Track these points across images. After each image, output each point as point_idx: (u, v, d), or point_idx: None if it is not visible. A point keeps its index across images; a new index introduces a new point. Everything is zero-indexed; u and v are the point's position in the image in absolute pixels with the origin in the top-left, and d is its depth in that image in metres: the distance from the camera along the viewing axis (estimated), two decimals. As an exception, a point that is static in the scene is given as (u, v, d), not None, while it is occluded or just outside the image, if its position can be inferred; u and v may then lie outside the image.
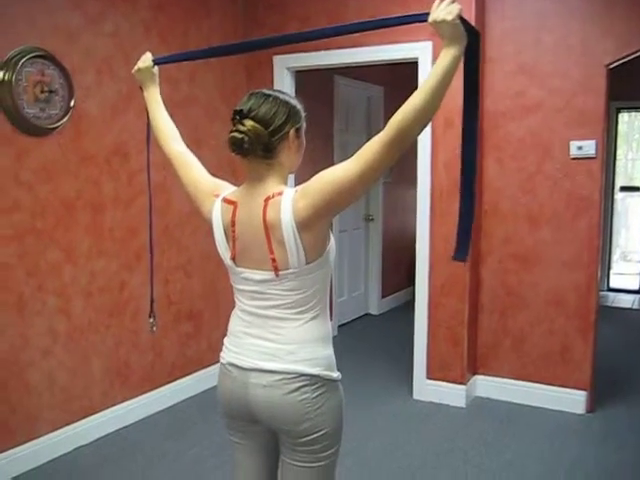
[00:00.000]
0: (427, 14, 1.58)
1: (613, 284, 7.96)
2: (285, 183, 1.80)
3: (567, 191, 4.06)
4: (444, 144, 4.12)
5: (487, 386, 4.42)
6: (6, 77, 3.14)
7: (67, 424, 3.59)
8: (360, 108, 6.50)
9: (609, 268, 7.96)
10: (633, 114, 8.24)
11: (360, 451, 3.58)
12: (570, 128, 4.00)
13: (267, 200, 1.72)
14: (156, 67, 2.19)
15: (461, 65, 1.61)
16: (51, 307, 3.47)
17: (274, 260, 1.72)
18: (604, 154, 4.06)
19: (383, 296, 6.95)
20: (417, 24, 1.69)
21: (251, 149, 1.71)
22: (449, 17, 1.51)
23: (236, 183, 1.92)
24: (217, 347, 2.04)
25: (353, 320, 6.51)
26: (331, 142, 5.94)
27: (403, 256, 6.97)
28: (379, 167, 1.59)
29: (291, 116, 1.76)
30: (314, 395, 1.74)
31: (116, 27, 3.74)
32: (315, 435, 1.75)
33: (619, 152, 8.01)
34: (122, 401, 3.94)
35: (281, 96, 1.78)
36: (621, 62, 3.88)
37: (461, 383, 4.28)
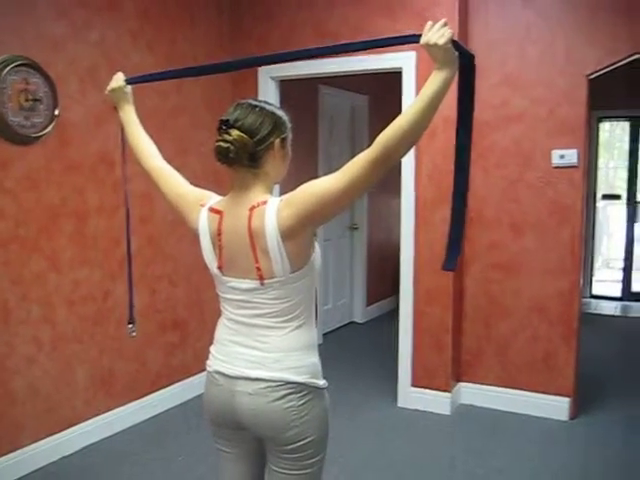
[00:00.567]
0: (419, 36, 1.59)
1: (595, 291, 8.04)
2: (270, 192, 1.81)
3: (550, 199, 4.10)
4: (428, 154, 4.15)
5: (471, 393, 4.44)
6: (-10, 85, 3.13)
7: (51, 434, 3.57)
8: (344, 117, 6.53)
9: (591, 275, 8.03)
10: (614, 123, 8.34)
11: (345, 459, 3.59)
12: (552, 137, 4.05)
13: (252, 209, 1.73)
14: (129, 86, 2.19)
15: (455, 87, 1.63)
16: (35, 316, 3.45)
17: (259, 269, 1.73)
18: (586, 163, 4.11)
19: (368, 304, 6.96)
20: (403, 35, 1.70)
21: (237, 158, 1.72)
22: (441, 41, 1.53)
23: (221, 192, 1.94)
24: (202, 356, 2.05)
25: (338, 328, 6.52)
26: (315, 151, 5.96)
27: (388, 265, 6.99)
28: (364, 183, 1.61)
29: (277, 126, 1.78)
30: (300, 403, 1.75)
31: (102, 36, 3.74)
32: (301, 443, 1.76)
33: (600, 161, 8.10)
34: (106, 410, 3.92)
35: (267, 107, 1.80)
36: (602, 72, 3.93)
37: (446, 390, 4.30)
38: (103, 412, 3.90)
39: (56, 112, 3.47)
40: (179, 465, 3.54)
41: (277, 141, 1.78)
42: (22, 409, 3.41)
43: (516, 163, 4.15)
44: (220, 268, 1.82)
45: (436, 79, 1.55)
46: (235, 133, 1.72)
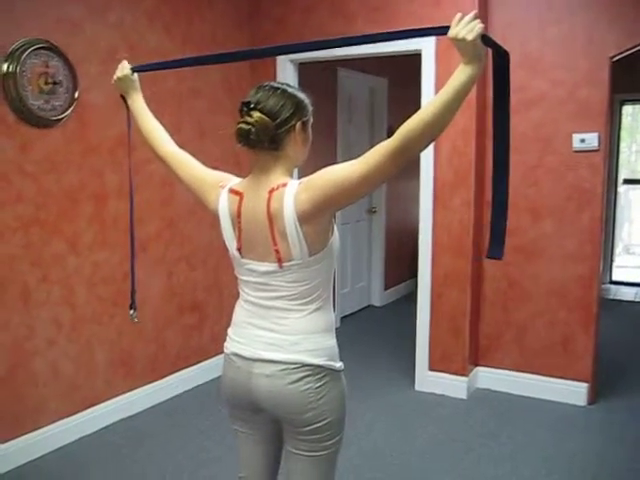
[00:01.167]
0: (447, 28, 1.53)
1: (615, 277, 7.97)
2: (291, 175, 1.81)
3: (570, 184, 4.06)
4: (447, 137, 4.12)
5: (489, 378, 4.44)
6: (10, 69, 3.14)
7: (71, 414, 3.62)
8: (363, 100, 6.50)
9: (612, 261, 7.96)
10: (637, 106, 8.21)
11: (362, 441, 3.61)
12: (573, 121, 4.00)
13: (271, 192, 1.73)
14: (135, 74, 2.17)
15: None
16: (55, 297, 3.49)
17: (277, 252, 1.73)
18: (607, 147, 4.06)
19: (386, 288, 6.96)
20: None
21: (257, 140, 1.72)
22: (470, 36, 1.48)
23: (240, 175, 1.94)
24: (220, 338, 2.06)
25: (356, 312, 6.53)
26: (334, 134, 5.94)
27: (406, 248, 6.99)
28: (383, 173, 1.60)
29: (298, 109, 1.77)
30: (317, 385, 1.76)
31: (120, 18, 3.74)
32: (318, 424, 1.78)
33: (622, 145, 7.99)
34: (126, 391, 3.97)
35: (289, 89, 1.79)
36: (625, 54, 3.87)
37: (463, 375, 4.30)
38: (122, 393, 3.94)
39: (75, 95, 3.48)
40: (197, 446, 3.58)
41: (298, 124, 1.77)
42: (43, 390, 3.46)
43: (536, 148, 4.11)
44: (239, 250, 1.82)
45: (462, 74, 1.51)
46: (256, 115, 1.71)
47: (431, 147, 4.17)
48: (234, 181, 1.89)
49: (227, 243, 1.86)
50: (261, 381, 1.79)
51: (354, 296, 6.53)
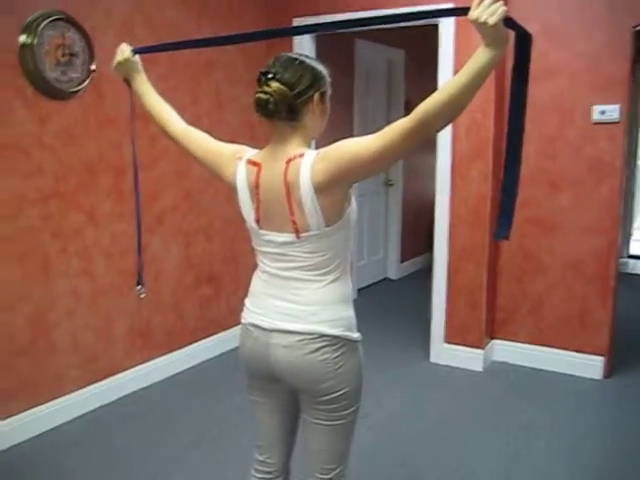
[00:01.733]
0: (467, 9, 1.47)
1: (633, 251, 7.91)
2: (308, 146, 1.81)
3: (589, 156, 4.02)
4: (466, 109, 4.07)
5: (504, 350, 4.45)
6: (28, 40, 3.15)
7: (91, 383, 3.68)
8: (380, 71, 6.44)
9: (630, 235, 7.90)
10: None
11: (378, 412, 3.64)
12: (593, 92, 3.95)
13: (289, 162, 1.73)
14: (137, 56, 2.14)
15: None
16: (75, 268, 3.53)
17: (294, 222, 1.74)
18: (629, 119, 4.00)
19: (402, 261, 6.97)
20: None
21: (275, 110, 1.72)
22: (491, 20, 1.42)
23: (257, 147, 1.94)
24: (237, 309, 2.08)
25: (372, 284, 6.55)
26: (351, 105, 5.91)
27: (422, 221, 6.97)
28: (398, 150, 1.59)
29: (316, 80, 1.77)
30: (335, 355, 1.77)
31: (136, -11, 3.73)
32: (335, 394, 1.79)
33: (643, 117, 7.86)
34: (144, 361, 4.02)
35: (307, 60, 1.78)
36: (648, 24, 3.81)
37: (479, 347, 4.31)
38: (141, 363, 4.00)
39: (92, 67, 3.48)
40: (214, 415, 3.63)
41: (316, 95, 1.77)
42: (64, 359, 3.52)
43: (554, 119, 4.06)
44: (257, 221, 1.83)
45: (482, 57, 1.47)
46: (275, 85, 1.71)
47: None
48: (251, 152, 1.89)
49: (245, 215, 1.87)
50: (279, 351, 1.81)
51: (370, 269, 6.54)
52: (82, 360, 3.63)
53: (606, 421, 3.58)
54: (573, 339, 4.21)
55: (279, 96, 1.71)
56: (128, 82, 2.19)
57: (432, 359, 4.47)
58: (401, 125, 1.56)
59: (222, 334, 4.59)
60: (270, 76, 1.73)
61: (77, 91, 3.43)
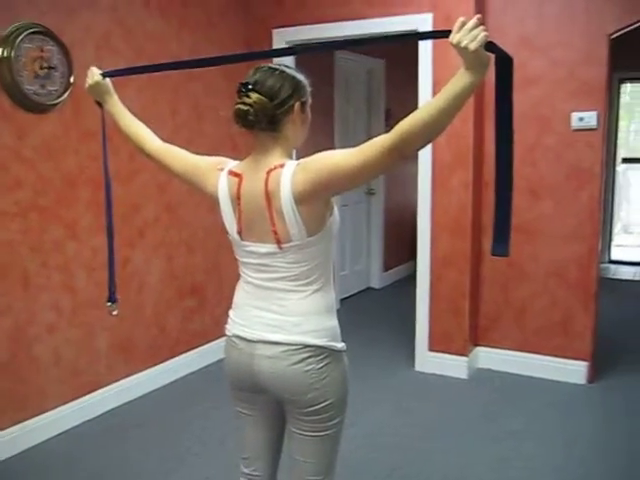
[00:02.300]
0: (449, 32, 1.46)
1: (614, 256, 7.98)
2: (290, 157, 1.81)
3: (568, 163, 4.05)
4: (446, 130, 4.09)
5: (489, 357, 4.46)
6: (5, 53, 3.12)
7: (74, 398, 3.64)
8: (360, 81, 6.47)
9: (610, 240, 7.97)
10: (636, 85, 8.16)
11: (364, 422, 3.63)
12: (571, 99, 3.99)
13: (269, 172, 1.73)
14: (107, 78, 2.14)
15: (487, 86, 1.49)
16: (55, 283, 3.49)
17: (276, 233, 1.73)
18: (606, 125, 4.04)
19: (385, 270, 6.97)
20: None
21: (256, 121, 1.72)
22: (472, 45, 1.41)
23: (237, 158, 1.93)
24: (221, 321, 2.06)
25: (355, 294, 6.54)
26: (331, 115, 5.91)
27: (405, 230, 6.99)
28: (377, 167, 1.59)
29: (297, 90, 1.77)
30: (319, 366, 1.77)
31: (114, 1, 3.71)
32: (320, 405, 1.78)
33: (621, 124, 7.96)
34: (127, 375, 3.98)
35: (287, 70, 1.79)
36: (624, 32, 3.85)
37: (463, 355, 4.31)
38: (124, 377, 3.96)
39: (71, 79, 3.46)
40: (199, 429, 3.60)
41: (297, 105, 1.77)
42: (45, 375, 3.48)
43: (534, 126, 4.09)
44: (240, 232, 1.82)
45: (462, 80, 1.46)
46: (255, 96, 1.71)
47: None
48: (232, 163, 1.88)
49: (227, 226, 1.86)
50: (263, 362, 1.80)
51: (353, 278, 6.54)
52: (64, 375, 3.59)
53: (592, 426, 3.60)
54: (557, 345, 4.23)
55: (259, 107, 1.70)
56: (100, 104, 2.20)
57: (417, 367, 4.47)
58: (381, 142, 1.56)
59: (206, 346, 4.56)
60: (250, 87, 1.73)
61: (56, 104, 3.40)
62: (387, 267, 7.01)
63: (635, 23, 3.79)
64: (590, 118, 3.93)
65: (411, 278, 4.88)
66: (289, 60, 4.54)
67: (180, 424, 3.66)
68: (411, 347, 4.53)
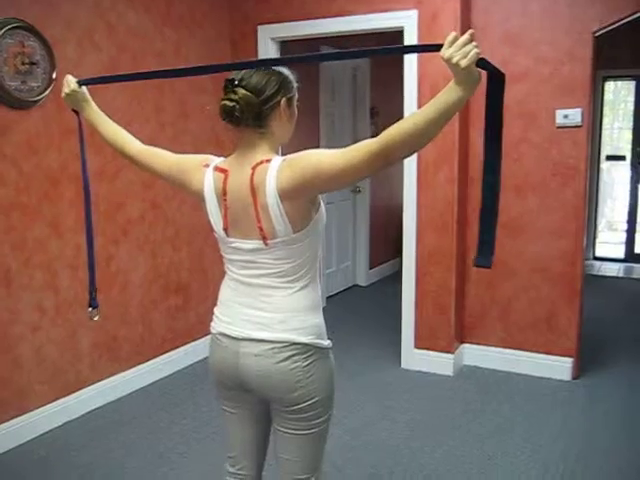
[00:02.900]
0: (440, 45, 1.43)
1: (599, 253, 8.04)
2: (276, 153, 1.79)
3: (553, 160, 4.06)
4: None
5: (474, 355, 4.46)
6: (-14, 49, 3.09)
7: (57, 398, 3.60)
8: (346, 79, 6.45)
9: (595, 237, 8.02)
10: (619, 83, 8.22)
11: (349, 420, 3.62)
12: (556, 97, 4.00)
13: (255, 167, 1.72)
14: (83, 87, 2.11)
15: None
16: (38, 281, 3.45)
17: (261, 229, 1.72)
18: (590, 122, 4.06)
19: (371, 267, 6.97)
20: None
21: (242, 117, 1.71)
22: (463, 62, 1.39)
23: (221, 155, 1.91)
24: (206, 319, 2.05)
25: (341, 292, 6.54)
26: (317, 113, 5.90)
27: (390, 227, 6.99)
28: (361, 170, 1.58)
29: (283, 86, 1.75)
30: (305, 364, 1.76)
31: (97, -3, 3.68)
32: (307, 403, 1.77)
33: (605, 121, 8.00)
34: (111, 375, 3.95)
35: (274, 66, 1.77)
36: (608, 29, 3.87)
37: (449, 352, 4.32)
38: (108, 376, 3.92)
39: (53, 75, 3.42)
40: (185, 427, 3.57)
41: (283, 100, 1.76)
42: (28, 374, 3.44)
43: (519, 123, 4.10)
44: (226, 229, 1.80)
45: (452, 94, 1.44)
46: (241, 92, 1.70)
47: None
48: (218, 160, 1.86)
49: (213, 222, 1.84)
50: (249, 360, 1.78)
51: (339, 276, 6.53)
52: (47, 375, 3.55)
53: (577, 422, 3.61)
54: (542, 341, 4.24)
55: (245, 103, 1.69)
56: (76, 112, 2.18)
57: (403, 365, 4.47)
58: (367, 147, 1.55)
59: (191, 344, 4.53)
60: (236, 83, 1.71)
61: (38, 100, 3.36)
62: (373, 264, 7.01)
63: (619, 21, 3.81)
64: (575, 115, 3.95)
65: (397, 275, 4.88)
66: (275, 55, 4.54)
67: (166, 423, 3.64)
68: (397, 344, 4.53)
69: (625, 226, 7.93)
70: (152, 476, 3.09)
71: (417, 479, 3.04)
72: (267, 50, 4.53)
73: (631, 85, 7.80)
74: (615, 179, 8.84)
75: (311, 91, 5.73)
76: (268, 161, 1.71)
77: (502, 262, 4.27)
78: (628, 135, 7.97)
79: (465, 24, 3.94)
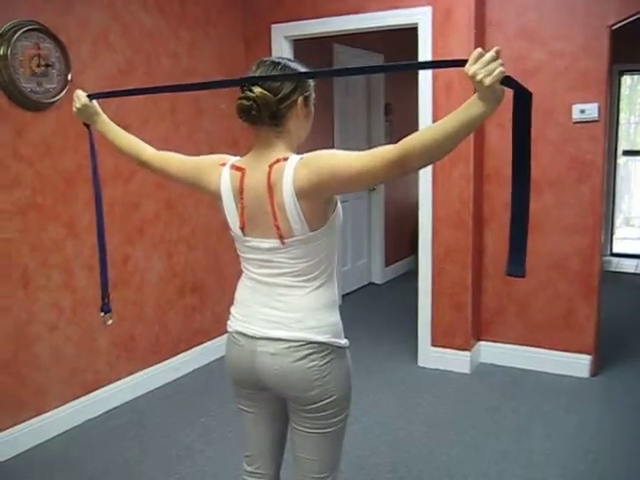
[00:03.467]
0: (465, 61, 1.40)
1: (616, 249, 7.96)
2: (293, 151, 1.78)
3: (570, 155, 4.03)
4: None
5: (491, 352, 4.44)
6: (1, 51, 3.09)
7: (75, 398, 3.62)
8: (360, 77, 6.43)
9: (612, 233, 7.95)
10: (636, 77, 8.13)
11: (366, 418, 3.61)
12: (572, 92, 3.96)
13: (272, 165, 1.71)
14: (94, 100, 2.12)
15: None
16: (55, 282, 3.47)
17: (278, 227, 1.71)
18: (607, 117, 4.02)
19: (386, 265, 6.96)
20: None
21: (259, 116, 1.71)
22: (487, 80, 1.36)
23: (237, 154, 1.91)
24: (222, 319, 2.05)
25: (357, 290, 6.53)
26: (331, 110, 5.89)
27: (406, 225, 6.97)
28: (377, 176, 1.58)
29: (300, 84, 1.75)
30: (322, 362, 1.75)
31: (111, -2, 3.69)
32: (324, 402, 1.77)
33: (622, 116, 7.93)
34: (129, 374, 3.96)
35: (291, 64, 1.77)
36: (625, 23, 3.82)
37: (465, 349, 4.30)
38: (125, 376, 3.94)
39: (69, 77, 3.44)
40: (201, 427, 3.58)
41: (300, 99, 1.75)
42: (46, 374, 3.46)
43: (535, 119, 4.02)
44: (242, 228, 1.80)
45: (473, 109, 1.42)
46: (257, 90, 1.69)
47: (429, 121, 4.13)
48: (234, 158, 1.86)
49: (229, 221, 1.84)
50: (266, 359, 1.78)
51: (355, 274, 6.52)
52: (65, 374, 3.57)
53: (595, 419, 3.58)
54: (559, 338, 4.21)
55: (262, 102, 1.69)
56: (87, 125, 2.19)
57: (420, 363, 4.45)
58: (384, 154, 1.54)
59: (208, 344, 4.54)
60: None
61: (54, 102, 3.38)
62: (389, 262, 7.00)
63: (635, 14, 3.76)
64: (591, 110, 3.91)
65: (413, 273, 4.87)
66: (288, 54, 4.54)
67: (183, 422, 3.65)
68: (414, 342, 4.52)
69: (643, 222, 7.85)
70: (169, 475, 3.10)
71: (435, 476, 3.03)
72: (281, 49, 4.52)
73: (648, 79, 7.72)
74: (632, 174, 8.76)
75: (325, 88, 5.72)
76: (285, 159, 1.70)
77: (519, 259, 4.23)
78: (645, 130, 7.90)
79: (479, 20, 3.92)
